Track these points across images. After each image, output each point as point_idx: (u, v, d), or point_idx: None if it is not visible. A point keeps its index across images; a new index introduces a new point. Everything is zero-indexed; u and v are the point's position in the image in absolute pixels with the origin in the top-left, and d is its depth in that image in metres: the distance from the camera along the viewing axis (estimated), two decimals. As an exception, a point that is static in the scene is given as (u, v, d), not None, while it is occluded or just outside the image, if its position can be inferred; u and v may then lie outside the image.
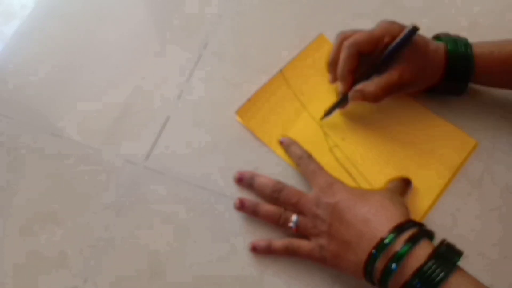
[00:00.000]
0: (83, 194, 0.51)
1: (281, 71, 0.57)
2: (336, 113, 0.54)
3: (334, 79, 0.54)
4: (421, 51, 0.50)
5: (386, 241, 0.40)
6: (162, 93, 0.57)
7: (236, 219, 0.50)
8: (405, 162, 0.52)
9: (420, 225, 0.43)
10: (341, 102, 0.53)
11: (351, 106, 0.53)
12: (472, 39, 0.52)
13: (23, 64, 0.59)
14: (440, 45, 0.51)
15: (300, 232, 0.47)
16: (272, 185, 0.49)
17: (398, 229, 0.41)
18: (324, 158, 0.52)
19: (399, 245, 0.40)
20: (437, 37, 0.53)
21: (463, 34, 0.53)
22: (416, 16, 0.56)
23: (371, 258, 0.41)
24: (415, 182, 0.50)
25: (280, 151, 0.53)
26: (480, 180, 0.51)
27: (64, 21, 0.62)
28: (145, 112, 0.56)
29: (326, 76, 0.55)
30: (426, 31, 0.51)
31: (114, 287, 0.47)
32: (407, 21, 0.50)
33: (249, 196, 0.51)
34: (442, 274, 0.38)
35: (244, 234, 0.49)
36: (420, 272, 0.38)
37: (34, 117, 0.56)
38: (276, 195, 0.49)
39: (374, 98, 0.50)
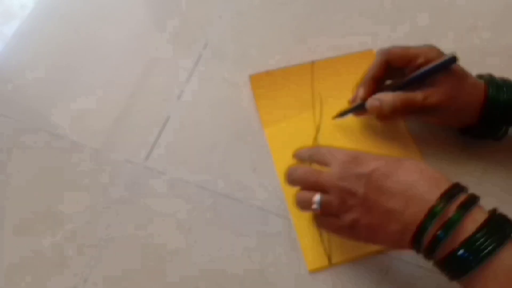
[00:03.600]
0: (83, 194, 0.51)
1: (312, 62, 0.57)
2: (334, 125, 0.54)
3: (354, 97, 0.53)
4: (456, 81, 0.47)
5: (438, 208, 0.38)
6: (162, 93, 0.57)
7: (236, 219, 0.50)
8: None
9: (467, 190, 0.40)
10: (358, 107, 0.52)
11: (355, 121, 0.53)
12: (472, 37, 0.52)
13: (23, 64, 0.59)
14: (481, 83, 0.48)
15: (326, 213, 0.44)
16: (287, 169, 0.47)
17: (448, 195, 0.39)
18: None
19: (451, 212, 0.38)
20: (479, 76, 0.50)
21: (463, 31, 0.52)
22: (415, 15, 0.56)
23: (423, 226, 0.38)
24: None
25: (268, 130, 0.53)
26: (480, 180, 0.51)
27: (64, 21, 0.62)
28: (145, 112, 0.56)
29: (350, 90, 0.54)
30: (425, 28, 0.51)
31: (114, 287, 0.47)
32: (406, 20, 0.50)
33: (252, 195, 0.51)
34: (491, 247, 0.36)
35: (244, 234, 0.49)
36: (468, 242, 0.37)
37: (34, 117, 0.56)
38: (291, 177, 0.47)
39: (391, 109, 0.48)
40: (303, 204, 0.46)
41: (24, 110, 0.56)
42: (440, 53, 0.48)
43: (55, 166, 0.53)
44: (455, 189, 0.39)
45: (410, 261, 0.47)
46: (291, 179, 0.47)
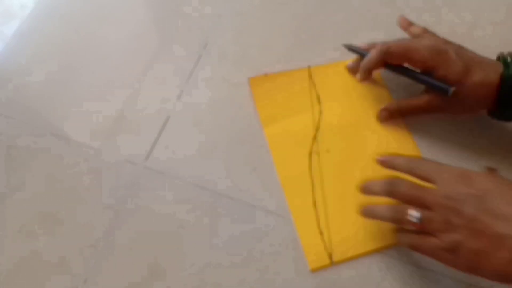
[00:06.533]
0: (83, 194, 0.51)
1: (309, 67, 0.57)
2: (336, 125, 0.54)
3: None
4: (458, 84, 0.48)
5: None
6: (162, 93, 0.57)
7: (236, 219, 0.50)
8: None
9: None
10: (362, 54, 0.55)
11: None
12: (471, 38, 0.52)
13: (23, 64, 0.59)
14: (492, 74, 0.48)
15: (423, 228, 0.41)
16: (385, 179, 0.45)
17: None
18: (299, 158, 0.52)
19: None
20: (500, 57, 0.50)
21: (462, 33, 0.53)
22: (415, 16, 0.56)
23: None
24: (367, 222, 0.48)
25: (267, 130, 0.53)
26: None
27: (64, 21, 0.62)
28: (145, 112, 0.56)
29: (350, 88, 0.56)
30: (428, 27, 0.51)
31: (114, 287, 0.47)
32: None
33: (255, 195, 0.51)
34: None
35: (244, 234, 0.49)
36: None
37: (34, 117, 0.56)
38: (391, 188, 0.44)
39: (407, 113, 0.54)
40: (396, 215, 0.43)
41: (24, 110, 0.56)
42: (437, 61, 0.49)
43: (54, 166, 0.53)
44: None
45: (410, 261, 0.47)
46: (392, 190, 0.44)
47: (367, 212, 0.46)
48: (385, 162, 0.47)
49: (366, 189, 0.46)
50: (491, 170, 0.44)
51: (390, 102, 0.54)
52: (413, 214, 0.41)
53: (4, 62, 0.59)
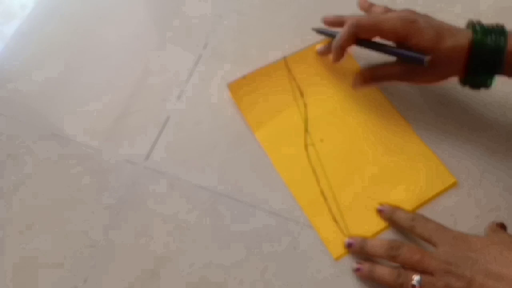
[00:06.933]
0: (83, 194, 0.51)
1: (284, 58, 0.57)
2: (323, 113, 0.54)
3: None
4: (431, 52, 0.48)
5: None
6: (162, 93, 0.57)
7: (236, 219, 0.50)
8: (375, 179, 0.51)
9: None
10: (332, 35, 0.54)
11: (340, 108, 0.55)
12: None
13: (23, 64, 0.59)
14: (462, 40, 0.48)
15: None
16: (387, 243, 0.45)
17: None
18: (296, 153, 0.52)
19: None
20: (469, 24, 0.50)
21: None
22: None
23: None
24: (377, 200, 0.50)
25: (258, 134, 0.53)
26: (480, 180, 0.51)
27: (64, 21, 0.62)
28: (145, 112, 0.56)
29: (328, 74, 0.56)
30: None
31: (114, 287, 0.47)
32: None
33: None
34: None
35: (245, 234, 0.49)
36: None
37: (34, 117, 0.56)
38: (393, 252, 0.44)
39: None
40: (399, 280, 0.43)
41: (23, 110, 0.56)
42: (408, 31, 0.48)
43: (54, 166, 0.53)
44: None
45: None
46: (394, 255, 0.45)
47: (366, 274, 0.46)
48: (384, 213, 0.49)
49: (365, 249, 0.46)
50: (495, 227, 0.46)
51: (364, 68, 0.53)
52: (417, 279, 0.42)
53: (4, 62, 0.59)
